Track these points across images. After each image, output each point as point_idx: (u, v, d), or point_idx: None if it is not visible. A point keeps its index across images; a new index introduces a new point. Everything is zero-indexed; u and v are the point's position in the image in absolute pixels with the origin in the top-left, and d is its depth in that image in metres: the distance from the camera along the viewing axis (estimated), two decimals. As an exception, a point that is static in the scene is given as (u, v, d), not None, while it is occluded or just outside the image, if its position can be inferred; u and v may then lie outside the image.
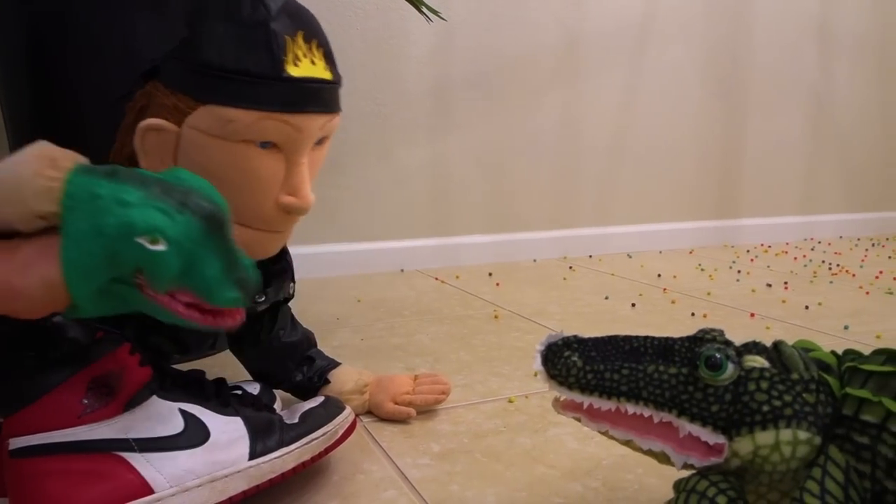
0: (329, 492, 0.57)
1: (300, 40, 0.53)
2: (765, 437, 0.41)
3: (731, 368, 0.43)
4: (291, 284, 0.69)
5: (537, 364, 0.47)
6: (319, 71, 0.55)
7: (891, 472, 0.39)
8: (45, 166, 0.38)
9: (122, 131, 0.56)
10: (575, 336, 0.48)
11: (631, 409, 0.45)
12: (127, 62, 0.77)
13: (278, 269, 0.67)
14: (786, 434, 0.41)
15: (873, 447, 0.40)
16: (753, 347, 0.45)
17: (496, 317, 1.14)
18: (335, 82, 0.57)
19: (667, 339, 0.47)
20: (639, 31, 1.80)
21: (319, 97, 0.55)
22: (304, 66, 0.53)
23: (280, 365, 0.70)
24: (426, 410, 0.74)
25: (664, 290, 1.36)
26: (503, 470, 0.62)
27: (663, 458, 0.46)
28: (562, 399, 0.48)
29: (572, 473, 0.61)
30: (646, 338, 0.47)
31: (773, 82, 2.03)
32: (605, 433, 0.47)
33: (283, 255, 0.68)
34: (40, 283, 0.37)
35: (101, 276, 0.38)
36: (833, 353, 0.45)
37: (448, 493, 0.57)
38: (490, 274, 1.53)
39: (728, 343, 0.45)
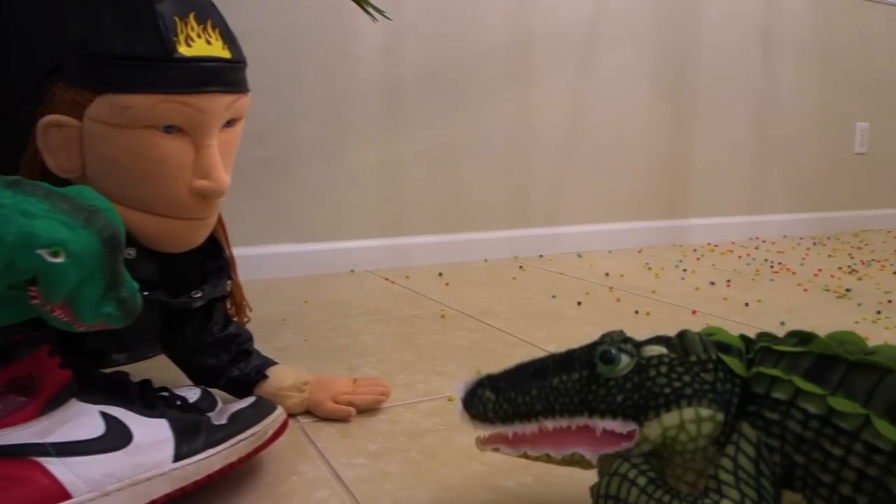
0: (260, 493, 0.56)
1: (192, 21, 0.53)
2: (670, 418, 0.43)
3: (625, 359, 0.46)
4: (228, 282, 0.68)
5: (459, 409, 0.50)
6: (216, 50, 0.54)
7: (799, 447, 0.41)
8: None
9: (32, 136, 0.55)
10: (487, 375, 0.51)
11: (549, 424, 0.47)
12: (31, 64, 0.74)
13: (215, 266, 0.66)
14: (689, 412, 0.43)
15: (783, 423, 0.42)
16: (655, 340, 0.47)
17: (443, 316, 1.15)
18: (236, 61, 0.57)
19: (567, 350, 0.49)
20: (589, 34, 1.83)
21: (219, 76, 0.54)
22: (199, 45, 0.53)
23: (214, 357, 0.69)
24: (365, 411, 0.74)
25: (611, 288, 1.39)
26: (438, 468, 0.62)
27: (582, 462, 0.48)
28: (483, 437, 0.51)
29: (506, 471, 0.62)
30: (548, 356, 0.50)
31: (719, 86, 2.08)
32: (523, 455, 0.49)
33: (220, 252, 0.67)
34: None
35: None
36: (743, 336, 0.47)
37: (381, 491, 0.57)
38: (440, 274, 1.53)
39: (625, 339, 0.47)
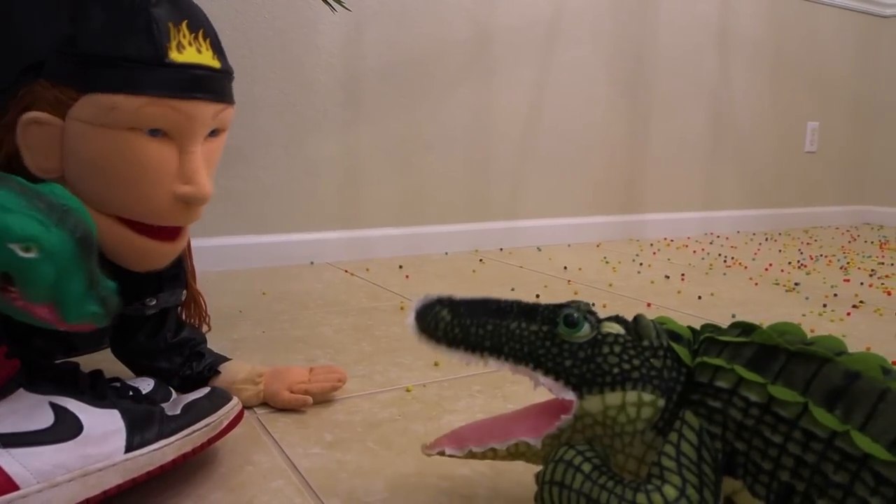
0: (214, 483, 0.56)
1: (184, 28, 0.53)
2: (613, 398, 0.45)
3: (586, 327, 0.47)
4: (183, 291, 0.68)
5: (410, 319, 0.49)
6: (206, 59, 0.54)
7: (740, 434, 0.42)
8: None
9: (2, 128, 0.53)
10: (448, 295, 0.50)
11: (492, 362, 0.47)
12: (9, 58, 0.72)
13: (171, 274, 0.65)
14: (632, 395, 0.45)
15: (725, 411, 0.43)
16: (614, 318, 0.49)
17: (402, 308, 1.15)
18: (225, 71, 0.57)
19: (534, 303, 0.50)
20: (548, 29, 1.84)
21: (208, 85, 0.54)
22: (190, 53, 0.53)
23: (167, 361, 0.69)
24: (322, 401, 0.74)
25: (569, 281, 1.41)
26: (394, 457, 0.62)
27: (527, 454, 0.48)
28: (427, 443, 0.52)
29: (461, 459, 0.62)
30: (515, 301, 0.50)
31: (675, 83, 2.12)
32: (469, 455, 0.49)
33: (179, 260, 0.66)
34: None
35: None
36: (690, 327, 0.49)
37: (336, 480, 0.58)
38: (400, 266, 1.53)
39: (591, 311, 0.48)
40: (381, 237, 1.65)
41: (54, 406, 0.46)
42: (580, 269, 1.56)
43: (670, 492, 0.41)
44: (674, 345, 0.47)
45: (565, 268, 1.56)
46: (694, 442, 0.43)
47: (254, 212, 1.50)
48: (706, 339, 0.47)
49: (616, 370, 0.45)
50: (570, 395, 0.46)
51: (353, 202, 1.62)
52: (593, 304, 1.21)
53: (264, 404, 0.73)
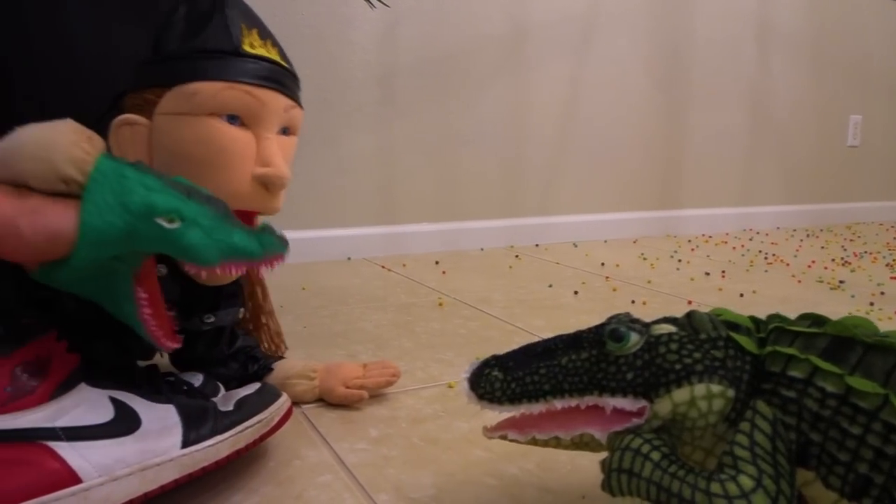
0: (264, 477, 0.57)
1: (255, 34, 0.57)
2: (681, 394, 0.44)
3: (634, 337, 0.46)
4: (240, 310, 0.69)
5: (465, 390, 0.49)
6: (276, 58, 0.58)
7: (815, 425, 0.41)
8: (83, 139, 0.43)
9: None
10: (493, 355, 0.50)
11: (558, 404, 0.47)
12: (57, 45, 0.74)
13: (230, 291, 0.66)
14: (700, 389, 0.44)
15: (800, 401, 0.42)
16: (663, 320, 0.48)
17: (441, 304, 1.15)
18: (293, 74, 0.60)
19: (575, 332, 0.50)
20: (584, 23, 1.82)
21: (279, 77, 0.57)
22: (260, 50, 0.57)
23: (224, 367, 0.70)
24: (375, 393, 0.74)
25: (606, 278, 1.39)
26: (440, 454, 0.63)
27: (591, 444, 0.48)
28: (489, 425, 0.51)
29: (508, 456, 0.62)
30: (555, 336, 0.50)
31: (713, 76, 2.08)
32: (531, 441, 0.49)
33: (237, 280, 0.67)
34: (44, 231, 0.41)
35: (111, 247, 0.42)
36: (752, 317, 0.48)
37: (384, 476, 0.58)
38: (437, 262, 1.54)
39: (633, 320, 0.48)
40: (417, 233, 1.65)
41: (114, 400, 0.47)
42: (617, 265, 1.54)
43: (746, 482, 0.40)
44: (734, 335, 0.46)
45: (602, 264, 1.55)
46: (768, 432, 0.42)
47: (291, 208, 1.51)
48: (775, 328, 0.46)
49: (678, 366, 0.44)
50: (642, 404, 0.45)
51: (388, 198, 1.62)
52: (633, 302, 1.20)
53: (316, 399, 0.73)
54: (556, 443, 0.49)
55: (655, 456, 0.43)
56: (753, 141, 2.22)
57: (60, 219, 0.41)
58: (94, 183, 0.42)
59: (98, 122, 0.58)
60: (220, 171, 0.55)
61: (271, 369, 0.72)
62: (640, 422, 0.45)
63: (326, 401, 0.73)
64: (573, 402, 0.47)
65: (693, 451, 0.46)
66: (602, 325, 0.48)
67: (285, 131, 0.60)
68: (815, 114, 2.35)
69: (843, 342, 0.42)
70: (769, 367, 0.44)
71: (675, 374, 0.44)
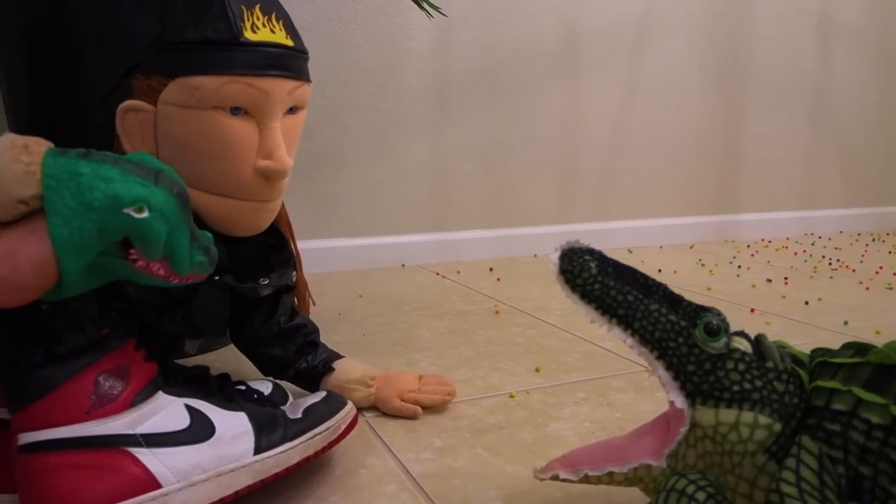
0: (332, 486, 0.58)
1: (258, 11, 0.57)
2: (727, 415, 0.43)
3: (723, 341, 0.45)
4: (293, 273, 0.70)
5: (554, 258, 0.47)
6: (280, 38, 0.58)
7: (864, 458, 0.40)
8: (18, 153, 0.39)
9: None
10: (599, 250, 0.48)
11: (618, 333, 0.46)
12: (128, 54, 0.78)
13: (282, 258, 0.68)
14: (747, 416, 0.43)
15: (845, 433, 0.41)
16: (741, 334, 0.47)
17: (497, 312, 1.15)
18: (299, 50, 0.60)
19: (679, 294, 0.48)
20: (639, 26, 1.80)
21: (282, 62, 0.57)
22: (263, 33, 0.56)
23: (281, 348, 0.71)
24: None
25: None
26: (505, 465, 0.62)
27: (645, 479, 0.47)
28: (539, 467, 0.51)
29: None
30: (663, 284, 0.48)
31: (773, 76, 2.03)
32: (583, 479, 0.49)
33: (286, 245, 0.69)
34: (28, 266, 0.39)
35: (91, 249, 0.40)
36: (808, 353, 0.47)
37: (450, 487, 0.58)
38: (491, 269, 1.53)
39: (724, 320, 0.47)
40: (471, 239, 1.65)
41: (189, 408, 0.49)
42: (675, 271, 1.52)
43: None
44: (797, 369, 0.45)
45: (660, 270, 1.52)
46: (814, 467, 0.41)
47: (346, 215, 1.53)
48: (818, 363, 0.44)
49: (736, 388, 0.44)
50: (679, 400, 0.44)
51: (442, 205, 1.63)
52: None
53: (373, 407, 0.74)
54: (610, 479, 0.48)
55: (701, 496, 0.43)
56: (815, 142, 2.15)
57: (35, 247, 0.39)
58: (49, 191, 0.39)
59: (104, 103, 0.60)
60: (223, 162, 0.56)
61: (332, 368, 0.72)
62: (685, 429, 0.45)
63: (380, 409, 0.73)
64: (629, 340, 0.46)
65: (737, 482, 0.45)
66: (703, 309, 0.47)
67: (292, 110, 0.60)
68: (879, 112, 2.26)
69: (887, 370, 0.41)
70: (813, 401, 0.43)
71: (730, 393, 0.43)
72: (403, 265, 1.57)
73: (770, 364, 0.44)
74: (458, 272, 1.49)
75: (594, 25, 1.73)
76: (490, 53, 1.62)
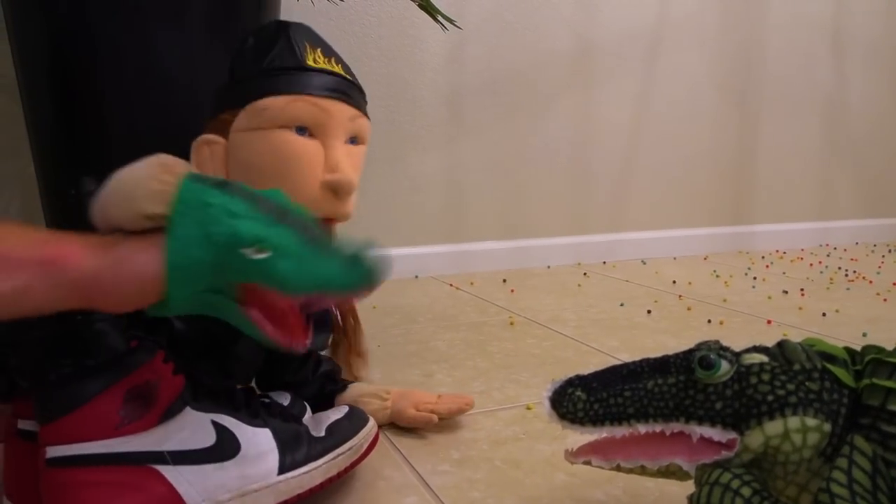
0: (352, 498, 0.58)
1: (319, 53, 0.61)
2: (774, 427, 0.42)
3: (725, 365, 0.45)
4: (329, 336, 0.71)
5: (546, 409, 0.48)
6: (340, 71, 0.62)
7: None
8: (159, 171, 0.42)
9: None
10: (577, 374, 0.49)
11: (642, 428, 0.46)
12: (147, 71, 0.79)
13: (320, 318, 0.68)
14: (794, 422, 0.42)
15: None
16: (753, 349, 0.47)
17: (512, 323, 1.15)
18: (358, 86, 0.63)
19: (661, 356, 0.48)
20: (652, 38, 1.80)
21: (343, 89, 0.61)
22: (324, 65, 0.60)
23: (308, 389, 0.71)
24: (445, 419, 0.74)
25: (679, 296, 1.37)
26: (523, 477, 0.62)
27: (678, 473, 0.47)
28: (572, 449, 0.50)
29: (593, 481, 0.62)
30: (641, 359, 0.49)
31: (787, 88, 2.03)
32: (616, 468, 0.48)
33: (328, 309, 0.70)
34: (133, 279, 0.40)
35: (201, 282, 0.41)
36: (847, 348, 0.46)
37: (469, 499, 0.58)
38: (504, 280, 1.53)
39: (722, 347, 0.46)
40: (484, 251, 1.66)
41: (216, 424, 0.49)
42: (689, 283, 1.51)
43: None
44: (829, 366, 0.45)
45: (674, 282, 1.52)
46: (867, 469, 0.40)
47: (360, 226, 1.53)
48: (872, 360, 0.44)
49: (770, 398, 0.43)
50: (731, 436, 0.44)
51: (456, 216, 1.63)
52: (709, 321, 1.17)
53: (389, 424, 0.74)
54: (642, 471, 0.48)
55: (746, 492, 0.42)
56: (829, 153, 2.15)
57: (145, 266, 0.40)
58: (176, 215, 0.40)
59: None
60: (290, 179, 0.58)
61: (345, 387, 0.73)
62: (729, 454, 0.44)
63: (396, 423, 0.73)
64: (657, 428, 0.46)
65: (786, 487, 0.44)
66: (691, 352, 0.47)
67: (353, 141, 0.62)
68: (894, 122, 2.25)
69: None
70: (867, 400, 0.42)
71: (767, 405, 0.43)
72: (417, 276, 1.58)
73: (797, 366, 0.44)
74: (472, 283, 1.50)
75: (607, 38, 1.74)
76: (503, 66, 1.63)
